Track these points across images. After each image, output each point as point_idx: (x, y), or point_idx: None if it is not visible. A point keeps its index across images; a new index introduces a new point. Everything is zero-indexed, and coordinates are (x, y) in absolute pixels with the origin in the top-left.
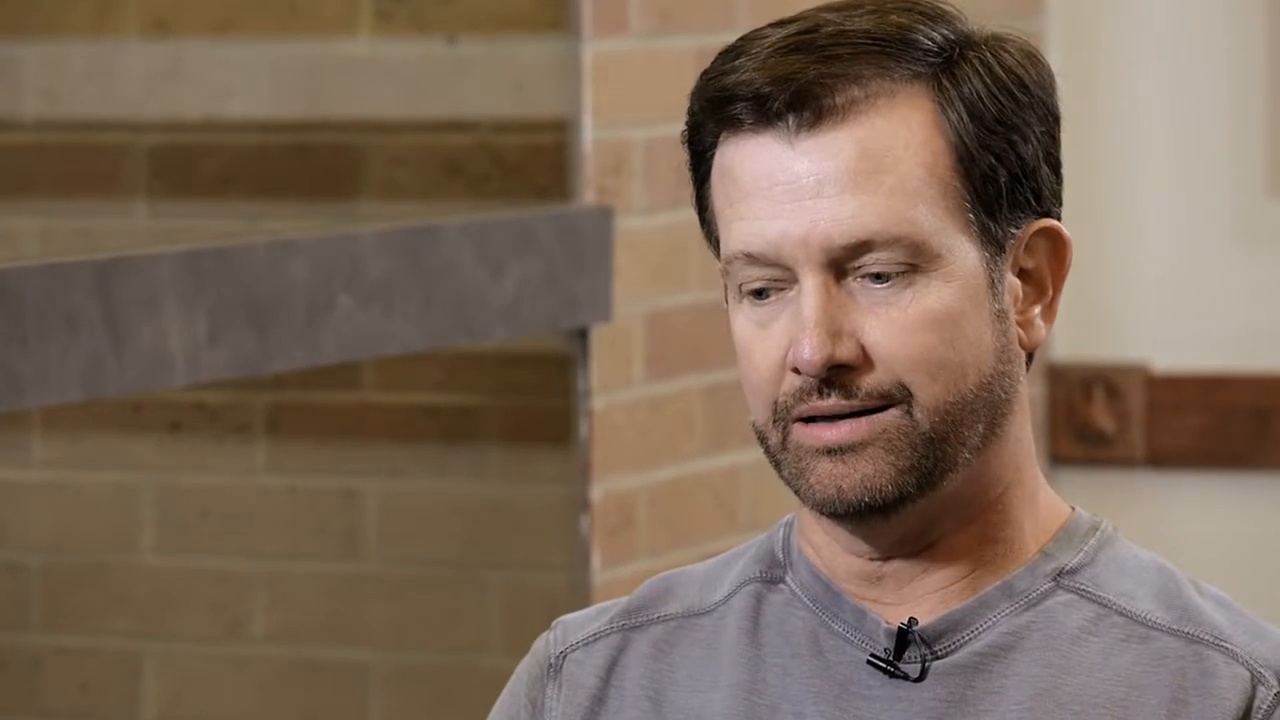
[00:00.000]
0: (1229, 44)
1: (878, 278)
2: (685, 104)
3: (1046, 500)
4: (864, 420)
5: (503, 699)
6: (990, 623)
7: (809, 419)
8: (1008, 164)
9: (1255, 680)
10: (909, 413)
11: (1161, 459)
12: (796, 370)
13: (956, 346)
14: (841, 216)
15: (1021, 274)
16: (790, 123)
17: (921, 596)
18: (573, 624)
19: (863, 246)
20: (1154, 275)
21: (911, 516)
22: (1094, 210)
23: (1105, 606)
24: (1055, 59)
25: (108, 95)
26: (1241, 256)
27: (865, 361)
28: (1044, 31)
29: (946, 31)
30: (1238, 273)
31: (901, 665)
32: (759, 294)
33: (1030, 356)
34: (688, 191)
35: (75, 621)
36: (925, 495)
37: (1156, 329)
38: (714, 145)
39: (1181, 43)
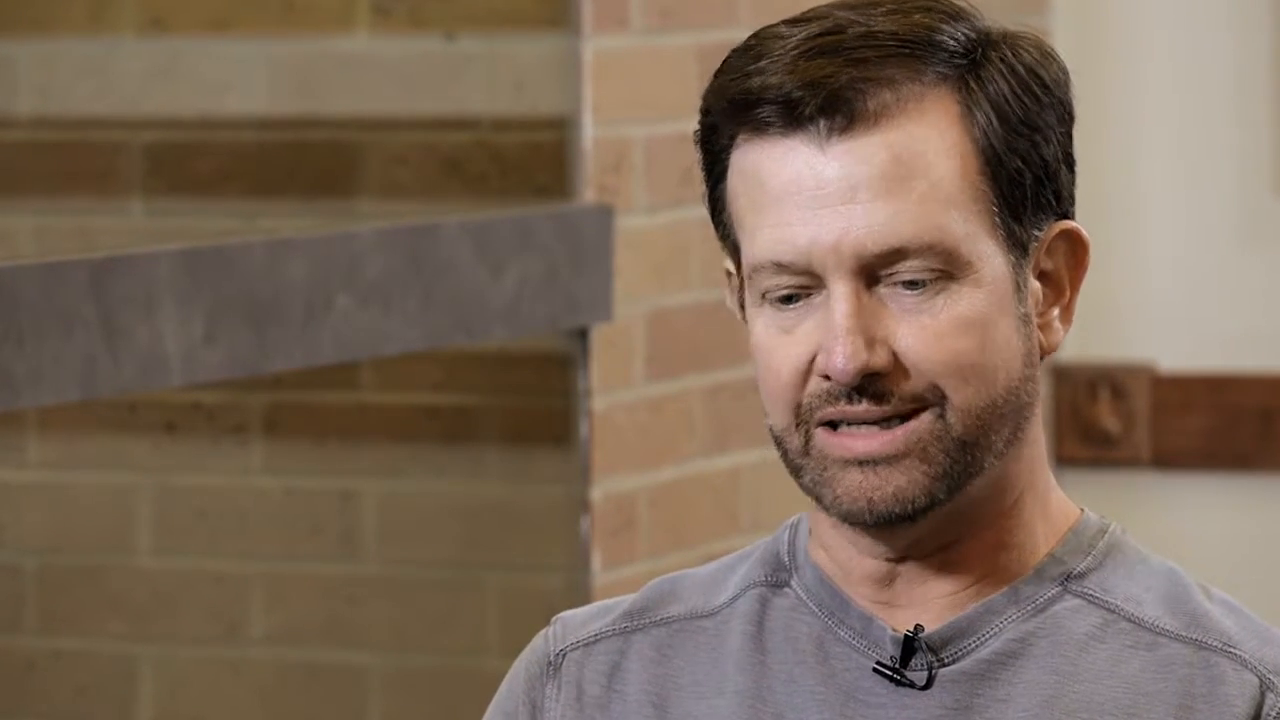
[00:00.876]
0: (1235, 43)
1: (910, 284)
2: (686, 101)
3: (1058, 502)
4: (899, 430)
5: (501, 693)
6: (997, 629)
7: (834, 425)
8: (1032, 166)
9: (1264, 687)
10: (942, 415)
11: (1167, 460)
12: (827, 377)
13: (987, 351)
14: (874, 224)
15: (1041, 276)
16: (821, 127)
17: (931, 600)
18: (573, 621)
19: (896, 254)
20: (1160, 275)
21: (933, 520)
22: (1100, 210)
23: (1113, 612)
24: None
25: (103, 92)
26: (1248, 256)
27: (897, 368)
28: (1049, 29)
29: (968, 30)
30: (1244, 273)
31: (908, 673)
32: (785, 299)
33: (1042, 358)
34: (689, 190)
35: (71, 624)
36: (952, 500)
37: (1162, 329)
38: (731, 146)
39: (1187, 41)
